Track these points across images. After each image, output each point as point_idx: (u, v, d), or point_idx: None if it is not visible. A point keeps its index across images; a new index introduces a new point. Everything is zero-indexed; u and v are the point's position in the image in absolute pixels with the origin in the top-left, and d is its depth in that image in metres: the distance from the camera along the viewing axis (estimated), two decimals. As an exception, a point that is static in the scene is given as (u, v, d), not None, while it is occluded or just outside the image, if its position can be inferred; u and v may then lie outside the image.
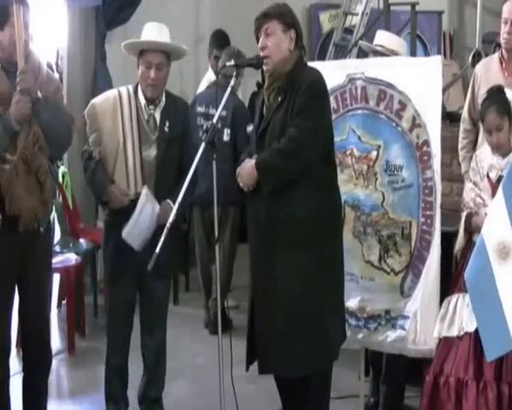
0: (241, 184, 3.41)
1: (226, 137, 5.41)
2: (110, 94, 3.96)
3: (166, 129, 3.88)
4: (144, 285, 3.93)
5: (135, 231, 3.74)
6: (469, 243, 3.74)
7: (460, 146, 4.61)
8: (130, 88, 3.93)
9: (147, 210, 3.75)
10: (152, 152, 3.86)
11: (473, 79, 4.57)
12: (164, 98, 3.91)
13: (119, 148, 3.81)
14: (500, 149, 3.72)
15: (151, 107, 3.88)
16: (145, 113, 3.89)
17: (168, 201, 3.76)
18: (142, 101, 3.89)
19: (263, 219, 3.39)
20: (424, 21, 8.39)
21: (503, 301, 3.33)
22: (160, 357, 4.08)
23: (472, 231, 3.70)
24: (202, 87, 6.06)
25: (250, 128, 5.25)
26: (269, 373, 3.53)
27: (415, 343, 3.81)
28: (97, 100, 3.95)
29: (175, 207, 3.30)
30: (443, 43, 9.19)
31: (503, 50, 4.43)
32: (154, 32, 3.93)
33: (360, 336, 3.95)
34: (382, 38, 4.38)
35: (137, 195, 3.79)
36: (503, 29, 4.38)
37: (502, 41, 4.42)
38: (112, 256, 3.93)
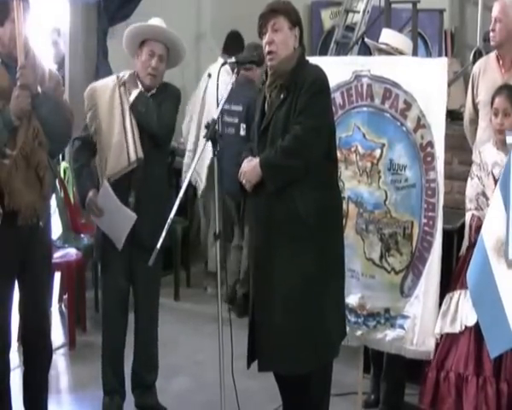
0: (243, 182, 3.39)
1: (242, 132, 5.50)
2: (109, 79, 4.07)
3: None
4: (135, 279, 4.01)
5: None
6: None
7: (472, 140, 4.58)
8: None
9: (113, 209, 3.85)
10: None
11: (471, 79, 4.59)
12: (155, 89, 3.98)
13: (117, 119, 3.88)
14: (502, 135, 3.74)
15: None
16: None
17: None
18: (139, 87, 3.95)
19: (264, 217, 3.37)
20: (425, 19, 8.36)
21: (503, 299, 3.35)
22: (150, 346, 4.13)
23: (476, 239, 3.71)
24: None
25: None
26: (269, 371, 3.52)
27: (413, 344, 3.81)
28: (97, 83, 4.09)
29: (174, 208, 3.21)
30: (444, 42, 9.17)
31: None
32: (157, 23, 4.03)
33: (359, 333, 3.96)
34: (388, 36, 4.38)
35: (139, 161, 3.85)
36: (490, 26, 4.44)
37: (490, 38, 4.48)
38: (102, 244, 4.00)
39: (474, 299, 3.49)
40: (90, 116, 3.93)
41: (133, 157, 3.84)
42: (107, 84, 4.00)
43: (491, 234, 3.42)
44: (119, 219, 3.86)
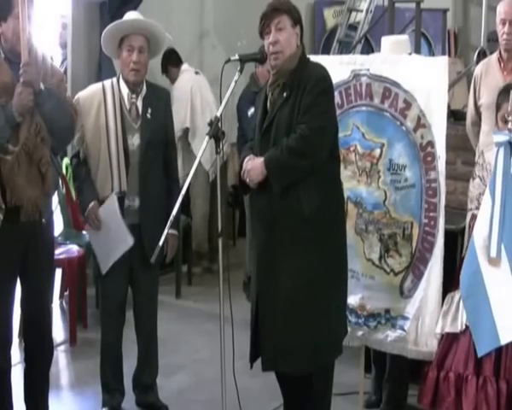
0: (247, 181, 3.37)
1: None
2: (95, 89, 3.99)
3: (149, 116, 3.92)
4: (135, 277, 4.00)
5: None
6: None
7: (475, 142, 4.57)
8: (114, 80, 3.98)
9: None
10: (135, 141, 3.91)
11: (473, 81, 4.55)
12: (145, 87, 3.95)
13: (102, 143, 3.85)
14: None
15: (133, 96, 3.91)
16: (127, 102, 3.92)
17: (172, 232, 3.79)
18: (125, 90, 3.92)
19: (268, 217, 3.35)
20: (429, 19, 8.38)
21: (490, 298, 3.35)
22: (150, 345, 4.14)
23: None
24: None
25: (251, 111, 5.35)
26: (272, 370, 3.51)
27: (416, 344, 3.79)
28: (82, 95, 3.98)
29: (170, 218, 3.22)
30: (447, 41, 9.18)
31: (502, 51, 4.39)
32: (133, 16, 4.00)
33: (360, 333, 3.94)
34: (390, 45, 4.30)
35: (122, 193, 3.86)
36: (502, 29, 4.32)
37: (501, 42, 4.37)
38: None
39: (463, 297, 3.50)
40: (77, 140, 3.89)
41: (116, 189, 3.86)
42: (92, 98, 3.93)
43: (480, 233, 3.43)
44: (116, 239, 3.84)
